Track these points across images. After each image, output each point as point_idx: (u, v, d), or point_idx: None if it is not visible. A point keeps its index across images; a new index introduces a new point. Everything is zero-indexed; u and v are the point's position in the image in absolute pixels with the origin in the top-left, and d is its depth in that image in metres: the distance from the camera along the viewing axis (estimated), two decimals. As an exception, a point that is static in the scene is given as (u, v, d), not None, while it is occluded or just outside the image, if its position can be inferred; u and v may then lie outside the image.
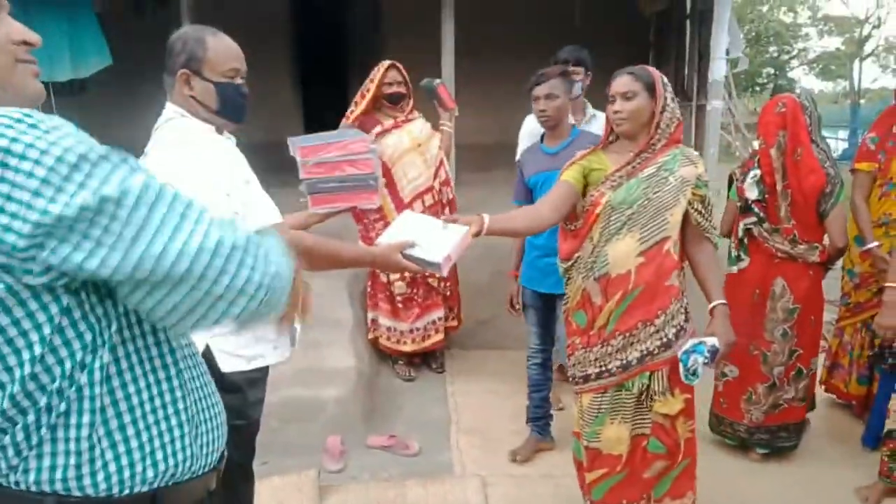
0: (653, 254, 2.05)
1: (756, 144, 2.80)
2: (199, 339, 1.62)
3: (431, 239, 1.77)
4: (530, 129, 3.25)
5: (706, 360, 1.97)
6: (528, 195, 2.77)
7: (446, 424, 3.24)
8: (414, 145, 3.54)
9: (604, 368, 2.13)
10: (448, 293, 3.76)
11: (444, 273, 1.77)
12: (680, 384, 2.05)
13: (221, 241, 0.83)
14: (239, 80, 1.68)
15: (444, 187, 3.69)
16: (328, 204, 1.92)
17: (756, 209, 2.77)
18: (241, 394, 1.70)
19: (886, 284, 2.46)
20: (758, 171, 2.76)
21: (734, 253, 2.90)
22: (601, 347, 2.13)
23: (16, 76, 0.91)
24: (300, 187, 1.91)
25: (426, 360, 3.87)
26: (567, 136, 2.71)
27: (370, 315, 3.73)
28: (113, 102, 5.83)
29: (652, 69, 2.12)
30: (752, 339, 2.80)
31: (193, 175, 1.54)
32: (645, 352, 2.07)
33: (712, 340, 2.01)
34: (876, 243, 2.83)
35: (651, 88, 2.05)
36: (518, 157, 3.12)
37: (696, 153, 2.18)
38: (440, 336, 3.71)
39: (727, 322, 2.09)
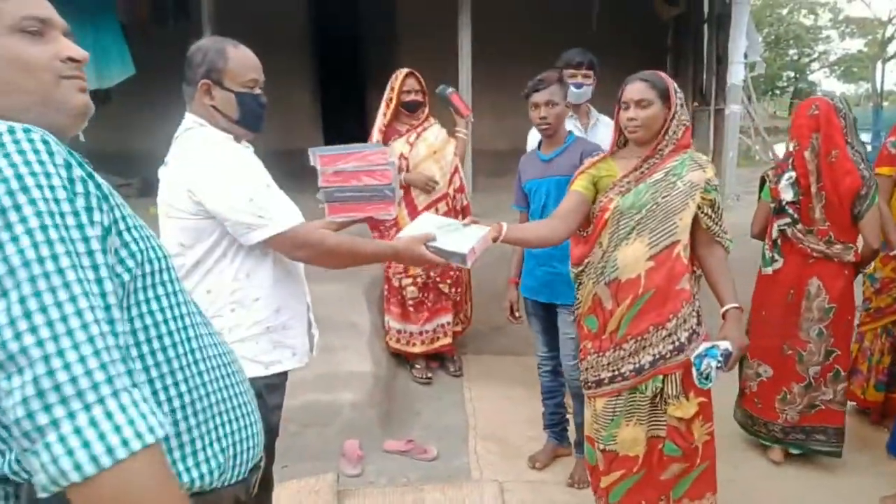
0: (662, 258, 2.05)
1: (790, 146, 2.77)
2: None
3: (454, 235, 1.82)
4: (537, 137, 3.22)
5: (719, 364, 1.96)
6: (526, 201, 2.78)
7: (464, 429, 3.25)
8: (430, 153, 3.56)
9: (617, 372, 2.13)
10: (458, 298, 3.78)
11: (468, 264, 1.80)
12: (694, 388, 2.04)
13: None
14: (258, 91, 1.71)
15: (459, 194, 3.71)
16: (345, 213, 1.95)
17: (790, 210, 2.76)
18: (261, 400, 1.72)
19: None
20: (793, 174, 2.74)
21: (768, 254, 2.88)
22: (613, 352, 2.13)
23: (58, 92, 0.93)
24: (318, 195, 1.95)
25: (443, 363, 3.89)
26: (561, 143, 2.67)
27: (385, 319, 3.76)
28: (135, 112, 5.94)
29: (665, 76, 2.12)
30: (785, 340, 2.80)
31: (216, 181, 1.58)
32: (657, 356, 2.07)
33: (725, 344, 2.00)
34: None
35: (665, 96, 2.07)
36: (530, 145, 3.12)
37: (704, 158, 2.18)
38: (448, 339, 3.75)
39: (740, 326, 2.07)
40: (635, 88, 2.08)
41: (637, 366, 2.10)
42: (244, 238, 1.61)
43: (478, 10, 4.64)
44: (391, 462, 2.95)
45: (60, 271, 0.75)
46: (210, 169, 1.59)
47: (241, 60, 1.68)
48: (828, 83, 26.79)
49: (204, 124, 1.67)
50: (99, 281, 0.79)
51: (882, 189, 2.91)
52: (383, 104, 3.53)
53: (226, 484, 0.99)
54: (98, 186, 0.85)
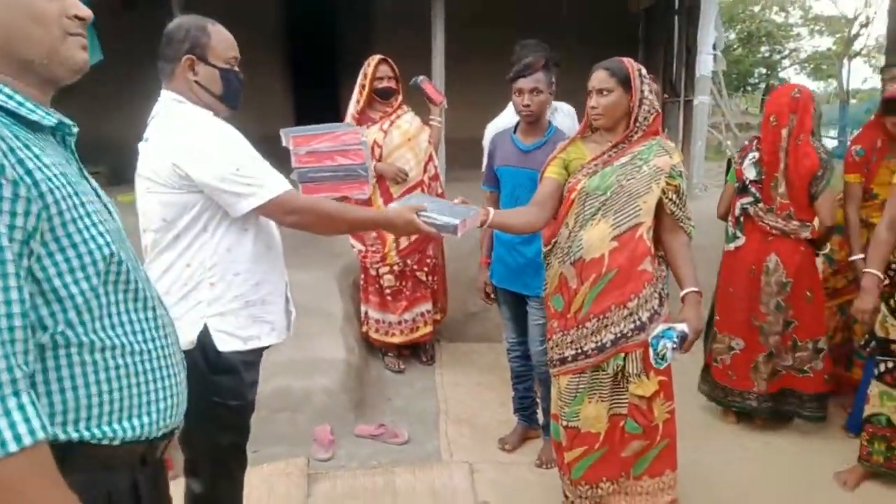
0: (626, 239, 2.11)
1: (771, 120, 2.86)
2: (197, 318, 1.66)
3: (444, 209, 1.87)
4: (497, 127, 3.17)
5: (675, 346, 2.03)
6: (496, 182, 2.76)
7: (435, 414, 3.28)
8: (404, 140, 3.56)
9: (580, 350, 2.19)
10: (435, 287, 3.80)
11: (459, 234, 1.85)
12: (654, 367, 2.10)
13: None
14: (236, 68, 1.74)
15: (433, 182, 3.72)
16: (319, 193, 1.96)
17: (753, 189, 2.91)
18: (238, 375, 1.74)
19: (864, 269, 2.54)
20: (756, 154, 2.91)
21: (731, 231, 3.03)
22: (577, 330, 2.18)
23: (64, 47, 0.99)
24: (291, 176, 1.95)
25: (416, 352, 3.91)
26: (542, 135, 2.64)
27: (362, 308, 3.77)
28: (104, 99, 5.84)
29: (628, 62, 2.15)
30: (751, 313, 2.95)
31: (203, 153, 1.60)
32: (619, 334, 2.13)
33: (682, 326, 2.06)
34: (860, 255, 2.90)
35: (626, 82, 2.10)
36: (487, 140, 3.09)
37: (672, 144, 2.22)
38: (428, 328, 3.75)
39: (698, 309, 2.14)
40: (596, 77, 2.13)
41: (599, 344, 2.15)
42: (234, 208, 1.62)
43: (451, 1, 4.64)
44: (362, 446, 2.97)
45: None
46: (195, 142, 1.60)
47: (223, 37, 1.71)
48: (798, 80, 27.21)
49: (182, 101, 1.68)
50: (5, 289, 0.83)
51: (853, 195, 3.03)
52: (356, 91, 3.53)
53: (131, 441, 1.04)
54: (35, 184, 0.88)
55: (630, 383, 2.15)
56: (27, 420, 0.83)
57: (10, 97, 0.94)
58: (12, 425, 0.81)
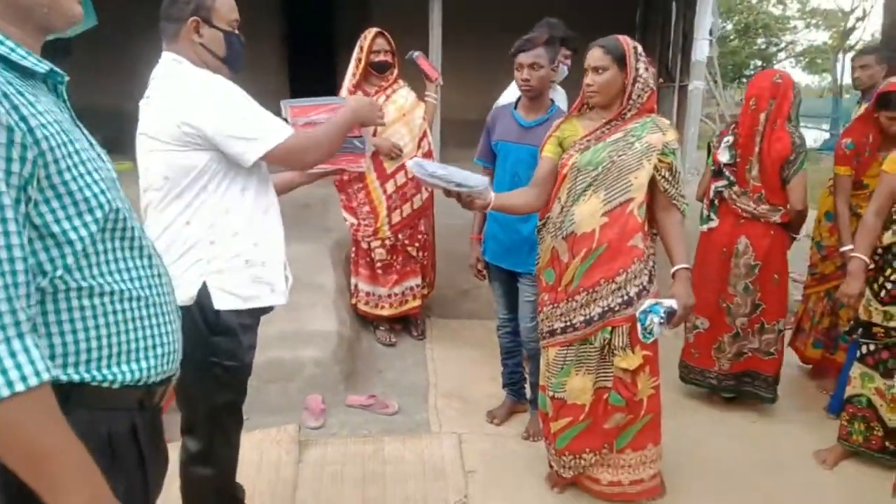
0: (616, 214, 2.13)
1: (750, 104, 2.88)
2: (196, 276, 1.68)
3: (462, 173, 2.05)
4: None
5: (661, 320, 2.06)
6: (492, 157, 2.75)
7: (425, 387, 3.32)
8: (399, 115, 3.56)
9: (568, 323, 2.23)
10: (424, 262, 3.82)
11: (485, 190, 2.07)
12: (640, 341, 2.14)
13: None
14: (237, 31, 1.76)
15: (427, 158, 3.72)
16: (320, 166, 1.97)
17: (727, 173, 2.96)
18: (236, 337, 1.76)
19: (851, 254, 2.58)
20: (731, 137, 2.95)
21: (705, 213, 3.08)
22: (566, 303, 2.22)
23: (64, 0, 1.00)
24: None
25: (407, 326, 3.94)
26: (544, 112, 2.63)
27: (352, 281, 3.79)
28: (98, 67, 5.79)
29: (624, 40, 2.16)
30: (719, 294, 3.01)
31: (211, 106, 1.62)
32: (606, 308, 2.16)
33: (670, 302, 2.09)
34: (850, 246, 2.92)
35: (622, 61, 2.12)
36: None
37: (667, 122, 2.24)
38: (417, 302, 3.79)
39: (688, 286, 2.16)
40: (592, 55, 2.16)
41: (587, 317, 2.19)
42: (244, 157, 1.65)
43: (450, -22, 4.62)
44: (353, 416, 3.00)
45: None
46: (201, 95, 1.62)
47: (225, 0, 1.72)
48: (793, 73, 27.27)
49: (181, 61, 1.69)
50: (6, 234, 0.85)
51: (843, 188, 3.05)
52: (352, 64, 3.51)
53: (130, 385, 1.07)
54: (29, 130, 0.89)
55: (615, 356, 2.19)
56: (32, 361, 0.85)
57: (1, 43, 0.93)
58: (18, 366, 0.83)
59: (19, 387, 0.83)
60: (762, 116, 2.83)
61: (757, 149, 2.86)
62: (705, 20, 4.53)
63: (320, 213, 4.33)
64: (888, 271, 2.50)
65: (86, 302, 0.99)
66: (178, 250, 1.68)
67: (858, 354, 2.65)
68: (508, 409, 3.02)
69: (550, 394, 2.32)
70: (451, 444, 2.75)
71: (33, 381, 0.84)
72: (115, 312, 1.03)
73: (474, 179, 2.04)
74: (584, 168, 2.16)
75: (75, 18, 1.03)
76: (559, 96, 3.35)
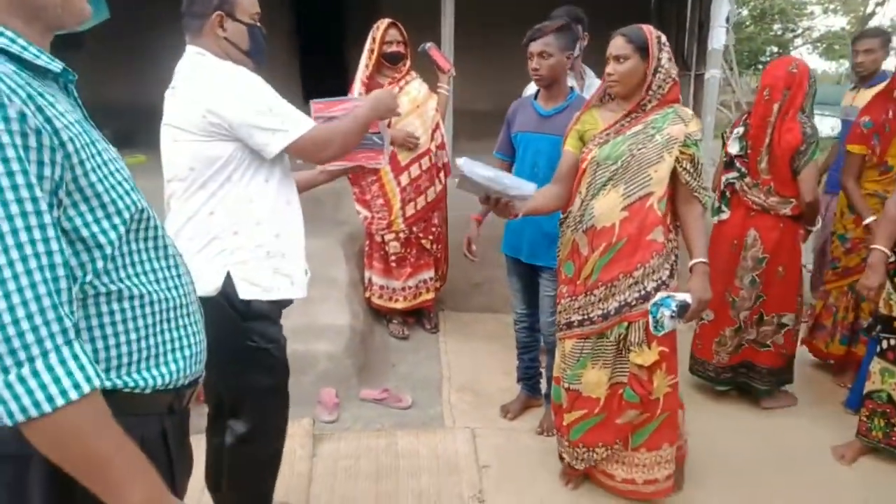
0: (636, 208, 2.11)
1: (764, 94, 2.82)
2: (221, 266, 1.70)
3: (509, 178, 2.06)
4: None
5: (673, 314, 2.04)
6: (511, 149, 2.73)
7: (438, 381, 3.31)
8: (413, 107, 3.54)
9: (586, 316, 2.21)
10: (438, 255, 3.81)
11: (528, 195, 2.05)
12: (657, 337, 2.12)
13: None
14: (259, 24, 1.78)
15: (440, 150, 3.71)
16: (337, 162, 1.98)
17: (738, 164, 2.92)
18: (269, 319, 1.80)
19: (872, 246, 2.52)
20: (741, 129, 2.90)
21: (716, 205, 3.04)
22: (585, 297, 2.20)
23: None
24: None
25: (420, 319, 3.94)
26: (563, 100, 2.59)
27: (366, 274, 3.78)
28: (110, 60, 5.80)
29: (648, 29, 2.13)
30: (726, 287, 2.97)
31: (237, 97, 1.64)
32: (623, 302, 2.14)
33: (683, 296, 2.07)
34: (872, 217, 2.90)
35: (644, 50, 2.08)
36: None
37: (690, 112, 2.19)
38: (430, 295, 3.78)
39: (705, 280, 2.13)
40: (613, 44, 2.12)
41: (604, 311, 2.17)
42: (268, 148, 1.66)
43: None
44: (367, 409, 3.01)
45: (13, 231, 0.80)
46: (227, 86, 1.64)
47: None
48: (810, 60, 26.86)
49: (205, 54, 1.70)
50: (46, 240, 0.83)
51: (852, 165, 3.01)
52: (365, 55, 3.49)
53: (160, 390, 1.06)
54: (55, 132, 0.87)
55: (631, 352, 2.17)
56: (82, 367, 0.84)
57: (13, 41, 0.90)
58: (69, 374, 0.83)
59: (73, 395, 0.83)
60: (775, 107, 2.77)
61: (767, 140, 2.80)
62: (722, 8, 4.45)
63: (333, 206, 4.32)
64: (910, 266, 2.46)
65: (115, 306, 0.98)
66: (201, 240, 1.70)
67: (878, 349, 2.61)
68: (522, 403, 3.01)
69: (565, 385, 2.31)
70: (465, 438, 2.74)
71: (86, 389, 0.84)
72: (143, 316, 1.02)
73: (520, 185, 2.03)
74: (604, 162, 2.14)
75: (85, 17, 1.02)
76: (594, 85, 3.24)
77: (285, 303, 1.87)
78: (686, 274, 2.19)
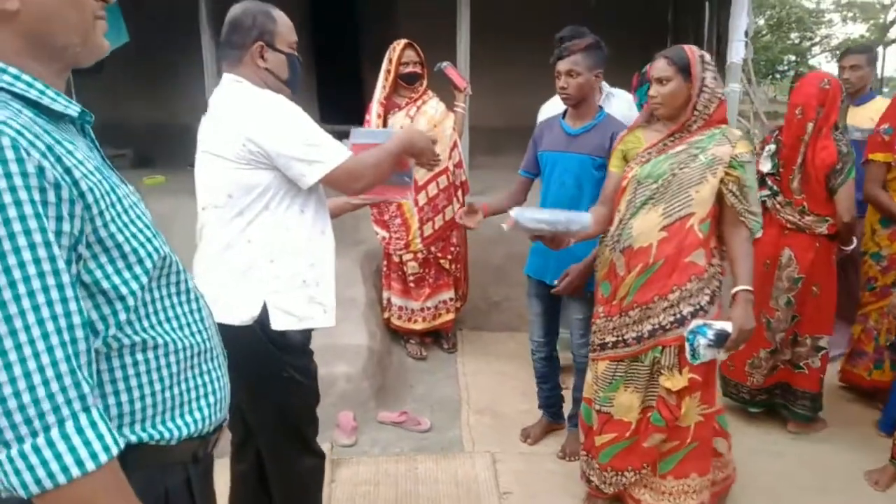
0: (675, 229, 2.08)
1: (797, 112, 2.75)
2: (258, 295, 1.70)
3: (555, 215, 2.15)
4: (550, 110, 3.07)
5: (710, 343, 1.98)
6: (536, 168, 2.68)
7: (457, 403, 3.27)
8: (430, 126, 3.53)
9: (620, 338, 2.19)
10: (457, 275, 3.78)
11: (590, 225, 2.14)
12: (689, 364, 2.07)
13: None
14: (296, 52, 1.80)
15: (457, 169, 3.69)
16: (365, 195, 1.99)
17: (770, 182, 2.85)
18: (302, 350, 1.81)
19: None
20: (772, 146, 2.84)
21: None
22: (619, 318, 2.18)
23: (94, 33, 0.95)
24: None
25: (437, 340, 3.91)
26: (591, 118, 2.54)
27: (385, 295, 3.76)
28: (129, 82, 5.87)
29: (690, 49, 2.11)
30: (760, 308, 2.86)
31: (276, 125, 1.65)
32: (657, 326, 2.10)
33: (722, 325, 2.01)
34: None
35: (686, 70, 2.07)
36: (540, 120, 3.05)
37: (738, 133, 2.14)
38: (450, 316, 3.74)
39: (748, 308, 2.05)
40: (656, 66, 2.13)
41: (638, 334, 2.15)
42: (304, 179, 1.67)
43: (477, -15, 4.57)
44: (385, 433, 2.97)
45: (31, 293, 0.77)
46: (266, 114, 1.65)
47: (286, 22, 1.76)
48: (829, 68, 26.62)
49: (242, 82, 1.72)
50: (64, 300, 0.80)
51: (876, 175, 2.94)
52: (381, 76, 3.50)
53: (186, 439, 1.03)
54: (74, 183, 0.84)
55: (661, 375, 2.13)
56: (100, 436, 0.81)
57: (31, 85, 0.87)
58: (87, 443, 0.80)
59: (90, 465, 0.79)
60: (809, 126, 2.70)
61: (800, 158, 2.73)
62: (741, 21, 4.38)
63: (351, 227, 4.31)
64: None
65: (139, 357, 0.95)
66: (238, 268, 1.70)
67: (911, 371, 2.53)
68: (544, 428, 2.95)
69: (597, 407, 2.28)
70: (485, 464, 2.70)
71: (103, 458, 0.81)
72: (168, 365, 0.99)
73: (579, 219, 2.06)
74: (644, 181, 2.12)
75: (102, 53, 0.99)
76: (623, 97, 3.16)
77: (312, 330, 1.87)
78: (725, 298, 2.14)
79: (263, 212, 1.68)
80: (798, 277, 2.81)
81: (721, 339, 1.99)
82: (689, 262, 2.07)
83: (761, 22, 22.04)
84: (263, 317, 1.70)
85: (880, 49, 21.59)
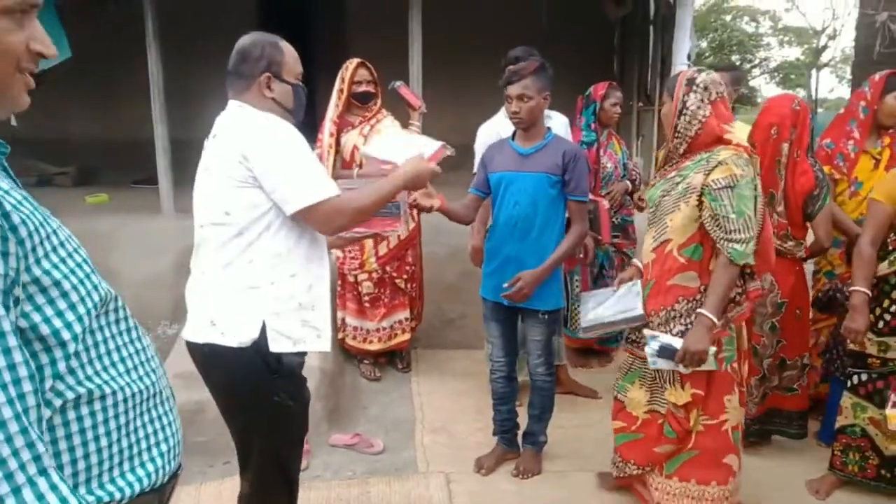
0: (659, 252, 2.21)
1: (772, 132, 2.68)
2: (257, 317, 1.67)
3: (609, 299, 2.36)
4: (485, 142, 3.04)
5: (655, 353, 2.09)
6: (487, 187, 2.66)
7: (411, 423, 3.24)
8: (382, 144, 3.52)
9: (636, 338, 2.35)
10: (413, 294, 3.76)
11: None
12: (690, 379, 2.16)
13: None
14: (301, 83, 1.82)
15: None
16: (354, 230, 1.96)
17: None
18: (296, 377, 1.79)
19: (852, 289, 2.46)
20: None
21: None
22: None
23: (15, 86, 0.87)
24: None
25: (392, 359, 3.87)
26: (542, 138, 2.57)
27: (339, 315, 3.71)
28: (72, 98, 5.69)
29: (683, 73, 2.17)
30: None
31: (270, 150, 1.65)
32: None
33: (669, 339, 2.09)
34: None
35: (673, 94, 2.14)
36: (480, 142, 3.11)
37: (721, 157, 2.06)
38: (406, 336, 3.72)
39: (701, 331, 2.07)
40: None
41: (643, 340, 2.26)
42: (286, 205, 1.65)
43: (428, 5, 4.61)
44: (337, 456, 2.92)
45: None
46: (265, 136, 1.66)
47: (293, 54, 1.79)
48: (768, 89, 27.84)
49: (244, 106, 1.73)
50: (6, 351, 0.73)
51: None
52: (334, 95, 3.48)
53: (139, 494, 0.96)
54: (5, 216, 0.77)
55: (665, 389, 2.26)
56: (63, 500, 0.75)
57: None
58: None
59: None
60: (784, 146, 2.65)
61: (782, 183, 2.68)
62: (684, 44, 4.56)
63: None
64: (886, 302, 2.45)
65: (84, 410, 0.86)
66: (238, 289, 1.68)
67: (849, 384, 2.61)
68: (498, 457, 2.84)
69: (615, 393, 2.45)
70: (439, 484, 2.67)
71: None
72: (116, 416, 0.91)
73: (633, 308, 2.23)
74: (649, 203, 2.28)
75: (18, 108, 0.90)
76: (560, 121, 3.26)
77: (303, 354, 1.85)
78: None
79: (264, 233, 1.68)
80: (781, 302, 2.78)
81: (666, 353, 2.07)
82: (674, 284, 2.16)
83: (704, 45, 22.94)
84: (262, 339, 1.68)
85: (813, 72, 22.72)
